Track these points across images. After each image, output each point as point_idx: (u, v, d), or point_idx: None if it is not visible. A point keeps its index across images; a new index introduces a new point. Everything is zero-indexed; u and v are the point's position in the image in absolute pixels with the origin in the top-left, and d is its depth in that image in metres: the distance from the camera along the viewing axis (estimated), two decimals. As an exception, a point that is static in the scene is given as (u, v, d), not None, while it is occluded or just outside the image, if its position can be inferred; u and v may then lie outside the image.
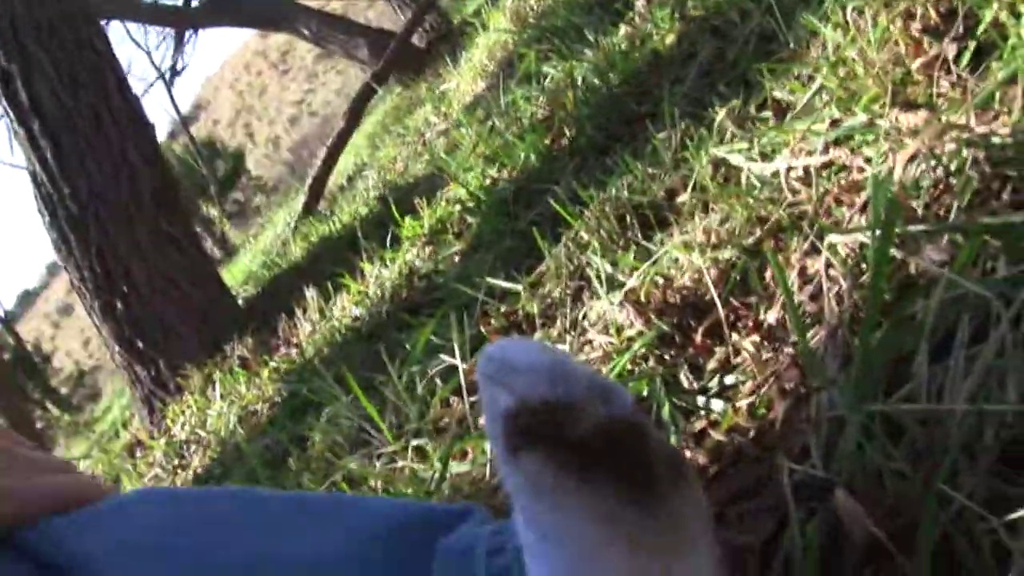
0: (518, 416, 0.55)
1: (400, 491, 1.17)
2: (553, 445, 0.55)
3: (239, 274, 7.17)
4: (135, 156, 4.10)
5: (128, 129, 4.14)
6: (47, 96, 4.01)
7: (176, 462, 3.18)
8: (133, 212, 4.02)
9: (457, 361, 1.41)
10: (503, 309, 1.59)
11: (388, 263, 2.62)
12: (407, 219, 2.68)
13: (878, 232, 0.82)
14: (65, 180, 3.99)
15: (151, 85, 9.14)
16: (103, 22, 5.31)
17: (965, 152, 0.92)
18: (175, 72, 9.03)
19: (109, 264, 3.99)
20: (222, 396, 3.20)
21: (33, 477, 0.76)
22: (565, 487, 0.55)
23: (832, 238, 0.95)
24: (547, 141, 2.28)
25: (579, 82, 2.28)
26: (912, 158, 0.96)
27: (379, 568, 0.71)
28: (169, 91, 11.91)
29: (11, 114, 4.08)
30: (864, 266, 0.93)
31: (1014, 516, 0.57)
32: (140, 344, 4.06)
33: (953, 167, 0.93)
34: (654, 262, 1.24)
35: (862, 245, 0.93)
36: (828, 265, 0.95)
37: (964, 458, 0.65)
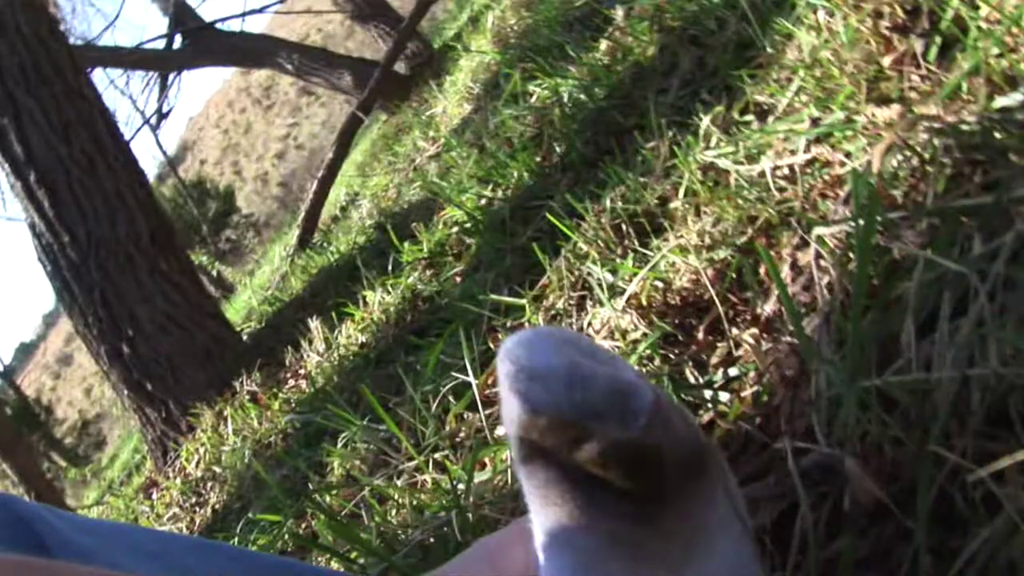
0: (529, 428, 0.55)
1: (424, 504, 1.22)
2: (561, 463, 0.56)
3: (239, 311, 7.20)
4: (131, 198, 4.16)
5: (122, 173, 4.21)
6: (40, 145, 4.07)
7: (193, 500, 3.21)
8: (133, 254, 4.08)
9: (470, 377, 1.46)
10: (509, 324, 1.64)
11: (390, 289, 2.67)
12: (406, 244, 2.72)
13: (861, 222, 0.87)
14: (64, 228, 4.05)
15: (138, 131, 9.16)
16: (87, 70, 5.35)
17: (937, 141, 0.97)
18: (161, 115, 9.07)
19: (113, 308, 4.05)
20: (234, 432, 3.23)
21: None
22: (570, 502, 0.57)
23: (819, 231, 1.00)
24: (538, 159, 2.33)
25: (565, 99, 2.33)
26: (888, 150, 1.01)
27: None
28: (155, 135, 11.97)
29: (6, 167, 4.14)
30: (851, 255, 0.98)
31: (1000, 466, 0.62)
32: (149, 386, 4.11)
33: (927, 155, 0.99)
34: (652, 267, 1.28)
35: (848, 235, 0.98)
36: (818, 257, 1.01)
37: (954, 422, 0.70)
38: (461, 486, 1.16)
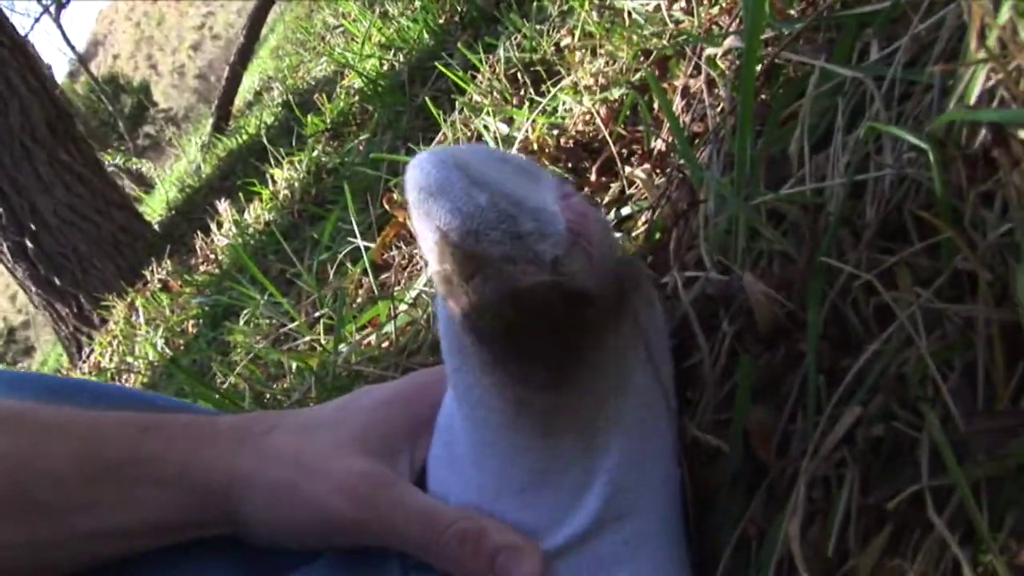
0: (441, 256, 0.49)
1: (307, 367, 1.16)
2: (464, 306, 0.49)
3: (158, 206, 7.04)
4: (22, 86, 3.95)
5: (10, 60, 3.98)
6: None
7: (109, 393, 3.13)
8: (29, 144, 3.89)
9: (359, 241, 1.39)
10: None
11: (296, 164, 2.58)
12: (309, 117, 2.62)
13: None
14: (-48, 121, 3.85)
15: (37, 19, 8.76)
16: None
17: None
18: (61, 4, 8.68)
19: (12, 201, 3.87)
20: (147, 321, 3.14)
21: None
22: (480, 359, 0.51)
23: (709, 51, 0.93)
24: (441, 21, 2.24)
25: (464, -46, 2.23)
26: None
27: None
28: (59, 26, 11.47)
29: None
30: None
31: (889, 268, 0.57)
32: (57, 281, 3.97)
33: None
34: (544, 111, 1.21)
35: (739, 55, 0.91)
36: (709, 82, 0.94)
37: (847, 235, 0.65)
38: (344, 347, 1.09)
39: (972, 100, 0.57)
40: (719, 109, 0.92)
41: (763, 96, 0.88)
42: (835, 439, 0.54)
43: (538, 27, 1.52)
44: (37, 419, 0.57)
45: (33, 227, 3.88)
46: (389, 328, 1.09)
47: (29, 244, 3.92)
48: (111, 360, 3.34)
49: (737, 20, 1.00)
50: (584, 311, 0.49)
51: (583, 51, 1.35)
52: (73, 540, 0.55)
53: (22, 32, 4.38)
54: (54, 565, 0.55)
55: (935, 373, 0.51)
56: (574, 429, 0.51)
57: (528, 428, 0.51)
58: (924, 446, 0.50)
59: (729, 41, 0.95)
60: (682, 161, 0.92)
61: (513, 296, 0.47)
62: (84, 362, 3.90)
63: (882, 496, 0.51)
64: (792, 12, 0.94)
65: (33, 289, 4.05)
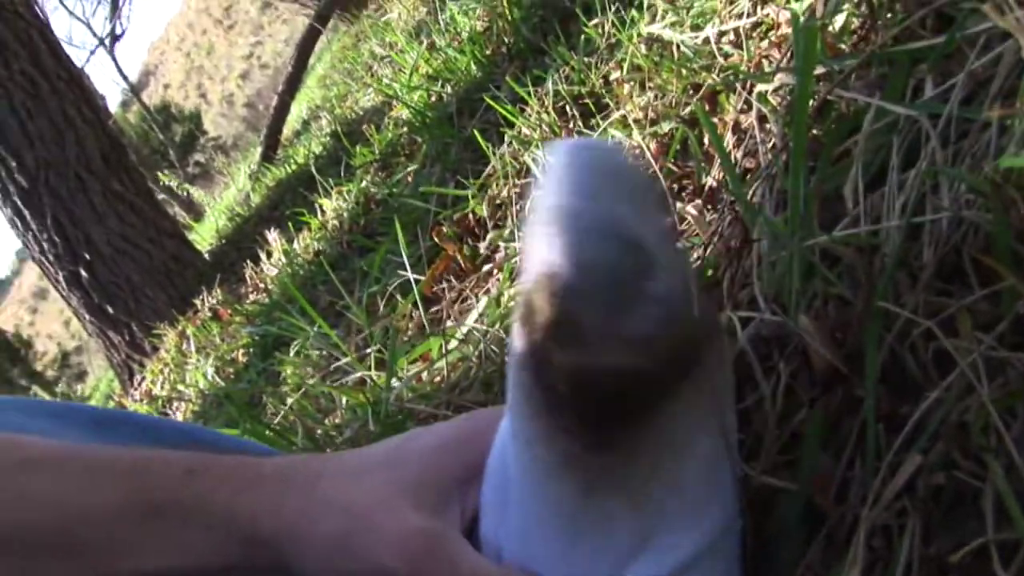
0: (539, 293, 0.47)
1: (357, 402, 1.16)
2: (537, 354, 0.48)
3: (208, 233, 7.12)
4: (78, 118, 4.03)
5: (67, 92, 4.06)
6: (-23, 71, 3.91)
7: (160, 421, 3.16)
8: (84, 176, 3.96)
9: (409, 274, 1.39)
10: (455, 216, 1.57)
11: (345, 195, 2.60)
12: (358, 148, 2.64)
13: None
14: (10, 153, 3.92)
15: (92, 53, 8.94)
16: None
17: (885, -16, 0.89)
18: (115, 37, 8.85)
19: (67, 232, 3.94)
20: (197, 350, 3.18)
21: None
22: (535, 401, 0.50)
23: (760, 87, 0.93)
24: (488, 52, 2.24)
25: (511, -14, 2.24)
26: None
27: None
28: (113, 58, 11.69)
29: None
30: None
31: (950, 314, 0.56)
32: (110, 309, 4.03)
33: (876, 2, 0.91)
34: (594, 145, 1.21)
35: (790, 91, 0.91)
36: (761, 119, 0.94)
37: (904, 277, 0.64)
38: (396, 383, 1.10)
39: (1032, 141, 0.56)
40: (770, 145, 0.92)
41: (815, 132, 0.87)
42: (896, 487, 0.53)
43: (586, 59, 1.52)
44: (82, 459, 0.57)
45: (87, 256, 3.95)
46: (440, 364, 1.09)
47: (83, 273, 3.98)
48: (162, 388, 3.37)
49: (788, 55, 0.99)
50: (656, 386, 0.48)
51: (632, 84, 1.35)
52: None
53: (78, 64, 4.47)
54: None
55: (997, 421, 0.50)
56: (623, 492, 0.50)
57: (572, 482, 0.50)
58: (988, 496, 0.49)
59: (780, 77, 0.94)
60: (734, 198, 0.91)
61: (591, 371, 0.46)
62: (136, 389, 3.95)
63: (945, 547, 0.50)
64: (843, 47, 0.94)
65: (87, 317, 4.11)
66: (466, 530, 0.56)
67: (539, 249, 0.48)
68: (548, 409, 0.49)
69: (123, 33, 9.05)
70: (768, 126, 0.96)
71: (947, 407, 0.54)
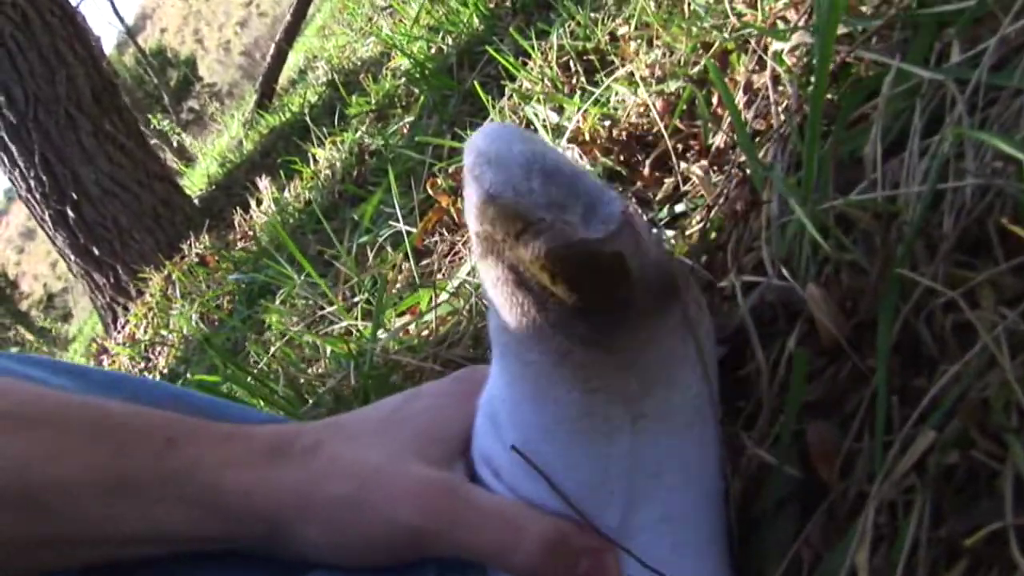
0: (482, 216, 0.49)
1: (343, 353, 1.13)
2: (510, 261, 0.49)
3: (199, 179, 7.06)
4: (70, 55, 3.94)
5: (59, 29, 3.97)
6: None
7: (142, 365, 3.14)
8: (74, 113, 3.89)
9: (401, 225, 1.36)
10: (451, 169, 1.54)
11: (338, 144, 2.56)
12: (354, 97, 2.60)
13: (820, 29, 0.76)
14: (-1, 88, 3.85)
15: (89, -9, 8.78)
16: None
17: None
18: (112, -25, 8.72)
19: (55, 170, 3.88)
20: (182, 295, 3.15)
21: None
22: (519, 307, 0.50)
23: (776, 46, 0.89)
24: (491, 5, 2.20)
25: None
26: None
27: None
28: (111, 1, 11.53)
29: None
30: (812, 77, 0.88)
31: (973, 286, 0.53)
32: (96, 251, 3.97)
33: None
34: (597, 101, 1.18)
35: (807, 51, 0.87)
36: (775, 78, 0.90)
37: (922, 247, 0.61)
38: (383, 334, 1.07)
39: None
40: (783, 107, 0.88)
41: (830, 96, 0.84)
42: (907, 465, 0.50)
43: (593, 15, 1.48)
44: (65, 419, 0.54)
45: (75, 196, 3.89)
46: (429, 317, 1.06)
47: (70, 213, 3.92)
48: (145, 332, 3.34)
49: (807, 15, 0.96)
50: (629, 287, 0.48)
51: (639, 41, 1.31)
52: (84, 545, 0.53)
53: (73, 3, 4.38)
54: (62, 562, 0.54)
55: (1021, 399, 0.47)
56: (617, 398, 0.50)
57: (568, 378, 0.50)
58: (1007, 478, 0.46)
59: (797, 36, 0.91)
60: (743, 159, 0.88)
61: (565, 248, 0.46)
62: (119, 332, 3.91)
63: (957, 530, 0.47)
64: (865, 9, 0.90)
65: (72, 258, 4.06)
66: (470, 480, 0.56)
67: (475, 190, 0.49)
68: (538, 309, 0.49)
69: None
70: (781, 88, 0.92)
71: (966, 382, 0.51)
